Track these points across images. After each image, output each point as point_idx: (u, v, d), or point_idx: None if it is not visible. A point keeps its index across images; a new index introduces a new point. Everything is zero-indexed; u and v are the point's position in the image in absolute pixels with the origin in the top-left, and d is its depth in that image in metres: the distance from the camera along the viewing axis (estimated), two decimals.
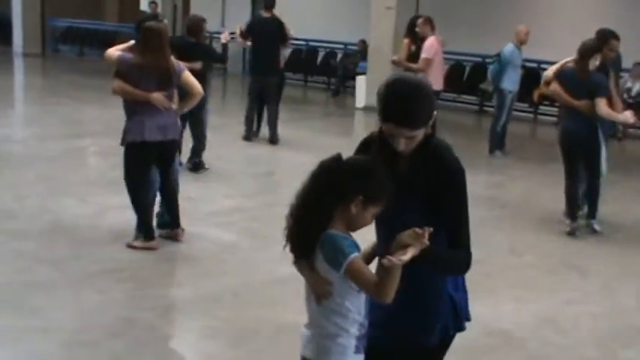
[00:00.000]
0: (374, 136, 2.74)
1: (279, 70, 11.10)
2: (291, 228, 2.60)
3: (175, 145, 6.24)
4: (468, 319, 2.88)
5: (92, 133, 10.91)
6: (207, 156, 9.11)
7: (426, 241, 2.37)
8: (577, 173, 7.07)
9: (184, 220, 6.49)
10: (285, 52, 11.08)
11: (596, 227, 7.14)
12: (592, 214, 7.17)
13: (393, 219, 2.63)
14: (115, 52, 6.02)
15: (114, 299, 5.19)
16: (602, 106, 6.67)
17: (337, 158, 2.59)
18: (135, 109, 5.92)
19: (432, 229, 2.39)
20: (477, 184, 9.03)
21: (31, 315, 4.84)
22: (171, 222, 6.37)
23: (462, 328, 2.85)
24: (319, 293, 2.56)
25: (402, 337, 2.77)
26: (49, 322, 4.76)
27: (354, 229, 2.59)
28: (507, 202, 8.42)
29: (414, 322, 2.74)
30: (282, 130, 11.06)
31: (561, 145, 7.14)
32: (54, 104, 13.76)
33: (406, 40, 10.41)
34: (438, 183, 2.58)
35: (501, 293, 5.67)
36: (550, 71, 7.27)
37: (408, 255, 2.35)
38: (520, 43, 10.72)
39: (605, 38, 7.05)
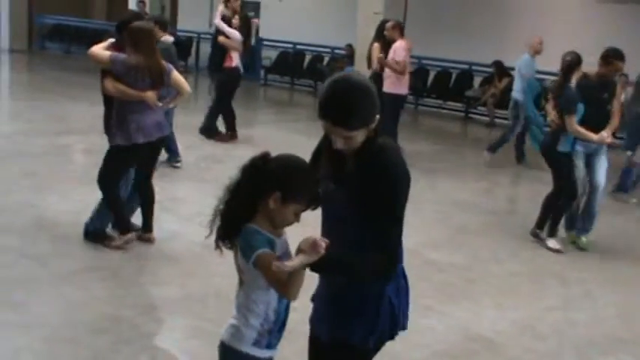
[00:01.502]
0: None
1: (222, 69, 10.96)
2: (214, 218, 2.68)
3: (163, 143, 6.24)
4: (404, 328, 2.80)
5: (78, 130, 10.86)
6: (195, 155, 9.10)
7: (321, 251, 2.36)
8: (558, 186, 7.05)
9: (170, 219, 6.50)
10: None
11: (550, 244, 7.04)
12: (550, 230, 7.12)
13: (330, 217, 2.71)
14: (103, 51, 5.90)
15: (97, 296, 5.19)
16: (570, 123, 6.66)
17: (264, 154, 2.68)
18: (128, 110, 5.86)
19: (327, 242, 2.39)
20: (463, 191, 9.10)
21: (13, 310, 4.83)
22: (144, 224, 6.30)
23: (392, 337, 2.76)
24: (239, 278, 2.70)
25: (331, 330, 2.74)
26: (31, 317, 4.75)
27: (278, 226, 2.65)
28: (492, 209, 8.47)
29: (343, 315, 2.71)
30: (267, 130, 11.11)
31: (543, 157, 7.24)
32: (40, 100, 13.71)
33: (376, 44, 10.42)
34: (372, 182, 2.53)
35: (483, 299, 5.71)
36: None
37: (295, 263, 2.38)
38: (535, 53, 10.70)
39: (607, 59, 6.94)
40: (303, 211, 2.64)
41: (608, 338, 5.25)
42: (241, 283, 2.71)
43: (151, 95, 5.86)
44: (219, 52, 10.79)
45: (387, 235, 2.56)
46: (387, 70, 10.03)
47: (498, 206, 8.64)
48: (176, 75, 6.10)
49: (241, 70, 10.88)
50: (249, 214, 2.62)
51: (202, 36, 20.23)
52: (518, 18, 15.72)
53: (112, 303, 5.12)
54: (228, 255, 5.71)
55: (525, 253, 6.95)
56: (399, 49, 10.07)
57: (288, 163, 2.64)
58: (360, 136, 2.52)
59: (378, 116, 2.53)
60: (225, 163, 9.89)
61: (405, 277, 2.78)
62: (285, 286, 2.49)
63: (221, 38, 10.76)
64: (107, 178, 6.00)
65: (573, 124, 6.67)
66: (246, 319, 2.69)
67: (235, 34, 10.64)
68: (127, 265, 5.84)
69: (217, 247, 2.69)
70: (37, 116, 11.96)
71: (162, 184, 7.76)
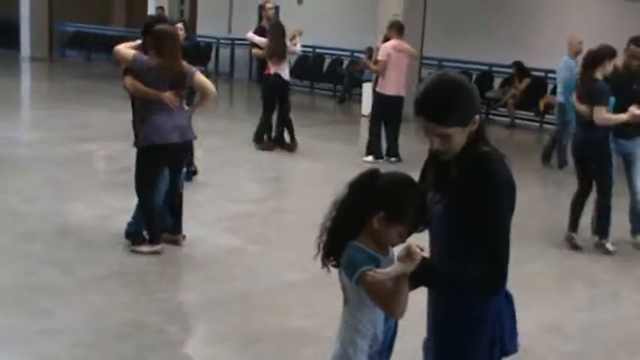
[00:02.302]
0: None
1: (262, 76, 11.10)
2: (321, 234, 2.61)
3: (190, 147, 6.24)
4: (508, 353, 2.72)
5: (100, 137, 10.93)
6: (215, 160, 9.11)
7: (417, 258, 2.31)
8: (587, 185, 6.96)
9: (192, 224, 6.52)
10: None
11: (609, 247, 6.91)
12: (604, 232, 6.97)
13: (434, 228, 2.62)
14: (128, 50, 5.98)
15: (121, 302, 5.21)
16: (599, 114, 6.52)
17: (373, 172, 2.60)
18: (150, 110, 5.90)
19: (423, 249, 2.36)
20: None
21: (39, 317, 4.87)
22: (174, 226, 6.34)
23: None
24: (344, 297, 2.61)
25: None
26: (57, 324, 4.78)
27: (383, 245, 2.57)
28: (515, 210, 8.40)
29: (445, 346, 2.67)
30: (287, 135, 11.10)
31: (572, 155, 7.10)
32: (61, 108, 13.80)
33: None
34: (472, 190, 2.47)
35: None
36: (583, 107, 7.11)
37: (388, 270, 2.34)
38: (575, 54, 10.49)
39: (626, 48, 6.88)
40: (409, 233, 2.58)
41: (635, 339, 5.20)
42: (346, 301, 2.63)
43: (168, 96, 5.85)
44: (258, 62, 10.91)
45: (492, 245, 2.47)
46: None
47: (520, 207, 8.53)
48: (199, 76, 6.10)
49: (283, 77, 10.69)
50: (354, 231, 2.56)
51: (222, 41, 20.30)
52: (538, 18, 15.65)
53: (137, 309, 5.14)
54: (248, 258, 5.70)
55: (549, 253, 6.89)
56: (383, 48, 10.18)
57: (395, 182, 2.56)
58: (457, 136, 2.46)
59: (477, 118, 2.48)
60: (244, 167, 9.93)
61: (508, 296, 2.70)
62: (389, 302, 2.42)
63: (253, 50, 10.96)
64: (138, 182, 6.04)
65: (602, 114, 6.51)
66: (352, 340, 2.59)
67: (264, 42, 10.67)
68: (151, 271, 5.86)
69: (324, 265, 2.61)
70: (58, 124, 12.05)
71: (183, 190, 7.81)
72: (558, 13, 15.47)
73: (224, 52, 20.57)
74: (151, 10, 19.17)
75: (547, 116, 14.85)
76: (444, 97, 2.43)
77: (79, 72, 20.58)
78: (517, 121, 15.03)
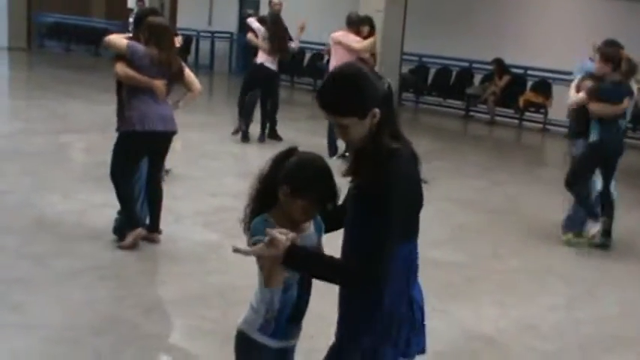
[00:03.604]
0: None
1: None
2: (247, 204, 2.75)
3: (171, 139, 6.19)
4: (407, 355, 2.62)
5: (78, 129, 10.83)
6: (194, 153, 9.06)
7: (279, 246, 2.39)
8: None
9: (169, 219, 6.47)
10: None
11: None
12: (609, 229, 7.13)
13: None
14: (122, 38, 5.99)
15: (97, 297, 5.16)
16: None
17: (291, 149, 2.72)
18: (138, 97, 5.88)
19: (290, 235, 2.43)
20: (463, 189, 9.08)
21: (13, 311, 4.80)
22: (151, 223, 6.25)
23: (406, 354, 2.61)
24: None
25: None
26: (31, 318, 4.73)
27: (291, 220, 2.64)
28: (492, 207, 8.45)
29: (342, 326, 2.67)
30: (267, 129, 11.09)
31: (597, 155, 7.04)
32: (39, 99, 13.69)
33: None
34: (365, 186, 2.47)
35: (484, 298, 5.69)
36: (573, 90, 7.16)
37: (250, 249, 2.49)
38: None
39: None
40: (314, 210, 2.66)
41: (612, 337, 5.23)
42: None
43: (159, 85, 5.86)
44: (245, 50, 10.98)
45: (370, 243, 2.41)
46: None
47: (499, 204, 8.61)
48: (189, 72, 6.16)
49: (271, 68, 10.81)
50: (269, 204, 2.67)
51: (202, 34, 20.20)
52: (518, 15, 15.69)
53: (113, 303, 5.10)
54: (225, 253, 5.66)
55: (527, 251, 6.92)
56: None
57: (305, 159, 2.67)
58: (354, 128, 2.46)
59: (376, 111, 2.44)
60: (223, 161, 9.88)
61: (412, 304, 2.61)
62: (264, 274, 2.57)
63: (249, 35, 11.12)
64: (118, 171, 5.98)
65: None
66: (254, 304, 2.75)
67: (261, 29, 10.80)
68: (128, 265, 5.81)
69: (245, 232, 2.72)
70: (36, 115, 11.93)
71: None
72: (539, 10, 15.52)
73: (204, 45, 20.49)
74: (131, 3, 19.04)
75: (527, 114, 14.95)
76: (337, 88, 2.49)
77: (58, 63, 20.41)
78: (497, 118, 15.10)
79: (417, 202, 2.55)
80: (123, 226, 6.11)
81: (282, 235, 2.43)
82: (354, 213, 2.54)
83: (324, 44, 18.32)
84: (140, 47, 5.88)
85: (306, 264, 2.51)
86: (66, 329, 4.62)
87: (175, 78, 6.02)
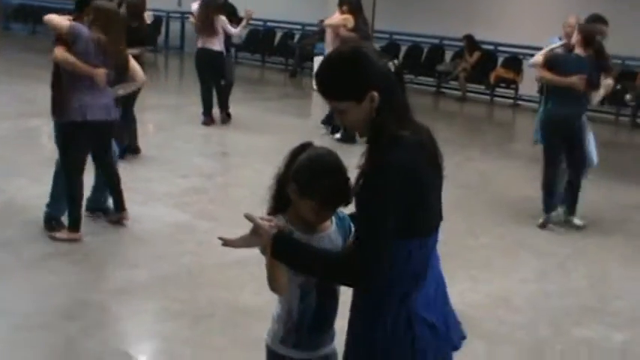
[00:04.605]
0: None
1: None
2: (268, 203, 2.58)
3: (115, 127, 6.00)
4: (454, 347, 2.45)
5: (45, 113, 10.57)
6: (164, 135, 8.98)
7: (263, 234, 2.29)
8: (559, 162, 6.95)
9: (140, 200, 6.42)
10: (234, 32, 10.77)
11: (577, 222, 7.01)
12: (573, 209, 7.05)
13: None
14: (64, 20, 5.72)
15: (68, 281, 5.12)
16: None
17: (305, 144, 2.52)
18: (77, 85, 5.66)
19: (275, 223, 2.33)
20: None
21: None
22: (115, 205, 6.16)
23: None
24: None
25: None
26: (1, 304, 4.68)
27: (304, 221, 2.47)
28: (464, 184, 8.47)
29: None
30: (238, 109, 11.00)
31: (547, 131, 6.97)
32: (5, 83, 13.47)
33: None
34: (363, 175, 2.25)
35: (457, 273, 5.70)
36: (539, 57, 7.07)
37: (234, 238, 2.40)
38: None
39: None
40: (326, 211, 2.46)
41: (582, 308, 5.29)
42: None
43: (100, 74, 5.62)
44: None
45: (360, 243, 2.22)
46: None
47: (471, 180, 8.64)
48: (133, 62, 5.95)
49: (213, 49, 10.42)
50: (284, 202, 2.50)
51: (172, 15, 19.99)
52: None
53: (83, 288, 5.06)
54: (197, 234, 5.64)
55: (499, 226, 6.96)
56: None
57: (314, 157, 2.46)
58: (352, 112, 2.26)
59: (374, 95, 2.23)
60: (194, 143, 9.81)
61: (437, 284, 2.47)
62: (267, 275, 2.42)
63: (190, 19, 10.99)
64: (67, 163, 5.80)
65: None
66: (275, 315, 2.61)
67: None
68: (98, 249, 5.77)
69: None
70: (3, 99, 11.76)
71: (131, 166, 7.70)
72: None
73: (174, 26, 20.27)
74: None
75: (498, 89, 14.99)
76: (330, 71, 2.30)
77: (24, 46, 20.10)
78: (468, 94, 15.13)
79: (422, 197, 2.27)
80: (55, 216, 5.95)
81: (267, 223, 2.32)
82: (355, 204, 2.30)
83: (293, 23, 18.36)
84: (84, 30, 5.63)
85: (295, 256, 2.32)
86: (36, 314, 4.58)
87: (119, 70, 5.78)
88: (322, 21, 14.86)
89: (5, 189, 6.95)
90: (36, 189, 6.98)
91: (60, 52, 5.63)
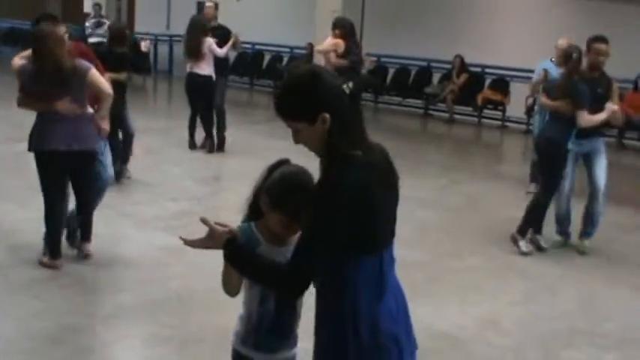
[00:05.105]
0: None
1: None
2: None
3: (90, 157, 5.74)
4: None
5: None
6: (154, 158, 8.96)
7: (217, 238, 2.50)
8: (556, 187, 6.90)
9: (129, 224, 6.40)
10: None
11: (543, 244, 7.00)
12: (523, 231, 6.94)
13: None
14: (18, 61, 5.71)
15: (55, 306, 5.09)
16: (582, 117, 6.55)
17: (282, 161, 2.69)
18: (40, 115, 5.61)
19: (229, 229, 2.50)
20: (423, 188, 9.12)
21: None
22: (81, 234, 6.00)
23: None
24: None
25: None
26: None
27: (273, 233, 2.61)
28: (452, 206, 8.50)
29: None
30: (226, 132, 10.98)
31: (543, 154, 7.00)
32: None
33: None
34: (315, 192, 2.37)
35: (445, 296, 5.72)
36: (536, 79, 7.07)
37: (192, 239, 2.62)
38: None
39: (587, 45, 6.81)
40: (294, 225, 2.53)
41: (571, 331, 5.29)
42: None
43: (62, 104, 5.48)
44: None
45: (302, 252, 2.31)
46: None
47: (459, 203, 8.66)
48: (93, 74, 5.57)
49: (200, 74, 10.29)
50: (258, 213, 2.66)
51: (160, 38, 20.05)
52: (475, 14, 15.82)
53: (71, 312, 5.03)
54: (186, 257, 5.64)
55: (487, 249, 6.97)
56: None
57: (287, 173, 2.62)
58: (305, 132, 2.36)
59: (326, 116, 2.31)
60: (183, 166, 9.81)
61: (396, 298, 2.56)
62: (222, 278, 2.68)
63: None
64: (44, 190, 5.69)
65: (585, 116, 6.55)
66: (240, 316, 2.77)
67: None
68: (86, 273, 5.74)
69: None
70: None
71: (119, 188, 7.68)
72: (495, 9, 15.68)
73: (162, 49, 20.33)
74: (87, 7, 18.85)
75: (485, 111, 15.08)
76: (285, 92, 2.41)
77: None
78: (456, 116, 15.21)
79: (371, 215, 2.34)
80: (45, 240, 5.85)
81: (222, 228, 2.47)
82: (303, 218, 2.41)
83: (282, 46, 18.43)
84: (27, 67, 5.57)
85: (244, 262, 2.47)
86: (24, 340, 4.55)
87: (65, 85, 5.47)
88: (311, 44, 14.98)
89: None
90: (23, 213, 6.97)
91: (20, 99, 5.66)
